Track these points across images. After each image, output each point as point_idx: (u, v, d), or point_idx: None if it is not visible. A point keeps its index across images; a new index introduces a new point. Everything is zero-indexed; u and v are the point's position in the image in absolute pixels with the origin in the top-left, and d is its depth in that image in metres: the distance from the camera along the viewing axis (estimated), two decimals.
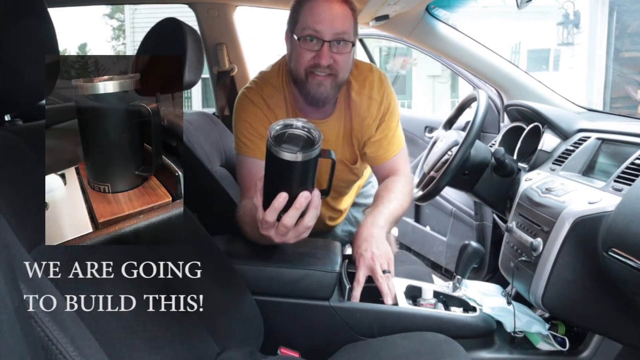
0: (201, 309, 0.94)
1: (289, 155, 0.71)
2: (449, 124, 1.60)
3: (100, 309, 0.78)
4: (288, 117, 1.24)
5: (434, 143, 1.56)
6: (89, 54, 16.83)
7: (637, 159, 1.01)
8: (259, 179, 0.79)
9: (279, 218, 0.79)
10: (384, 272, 1.11)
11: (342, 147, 1.37)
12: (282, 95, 1.30)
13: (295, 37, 1.18)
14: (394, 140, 1.37)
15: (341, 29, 1.17)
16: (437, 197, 1.75)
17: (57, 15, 1.13)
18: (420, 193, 1.44)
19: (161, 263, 0.94)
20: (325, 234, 1.61)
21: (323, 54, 1.16)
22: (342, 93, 1.30)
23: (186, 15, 1.91)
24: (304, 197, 0.75)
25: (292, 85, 1.28)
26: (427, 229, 2.29)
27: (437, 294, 1.17)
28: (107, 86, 0.75)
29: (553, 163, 1.29)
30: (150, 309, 0.86)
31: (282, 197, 0.75)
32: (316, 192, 0.77)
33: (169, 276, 0.94)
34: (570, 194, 1.05)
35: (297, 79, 1.22)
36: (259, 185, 0.79)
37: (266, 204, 0.78)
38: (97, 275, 0.81)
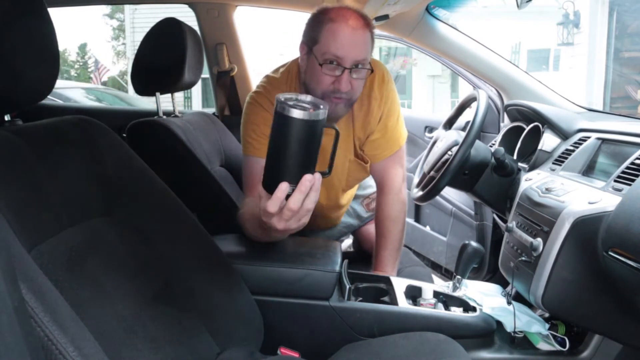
0: (201, 309, 0.95)
1: (297, 112, 0.71)
2: (449, 124, 1.60)
3: (100, 309, 0.78)
4: None
5: (434, 143, 1.56)
6: (88, 53, 16.87)
7: (637, 159, 1.01)
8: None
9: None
10: None
11: (350, 147, 1.38)
12: None
13: (316, 59, 1.18)
14: (393, 139, 1.38)
15: (362, 56, 1.17)
16: (437, 197, 1.74)
17: (57, 15, 1.13)
18: (420, 193, 1.44)
19: (161, 263, 0.94)
20: (329, 228, 1.62)
21: (343, 80, 1.17)
22: None
23: (186, 15, 1.91)
24: (307, 179, 0.76)
25: (302, 91, 1.29)
26: (427, 229, 2.28)
27: (437, 294, 1.17)
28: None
29: (553, 163, 1.29)
30: (150, 309, 0.86)
31: (284, 186, 0.76)
32: (317, 175, 0.78)
33: (169, 276, 0.94)
34: (570, 194, 1.05)
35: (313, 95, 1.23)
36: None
37: (268, 179, 0.78)
38: (97, 275, 0.81)
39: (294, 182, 0.76)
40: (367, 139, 1.38)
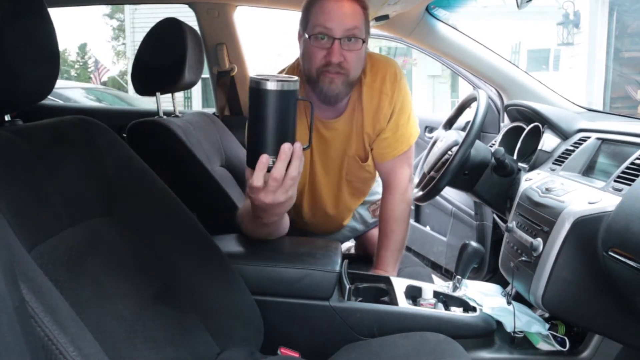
0: (201, 309, 0.95)
1: (269, 83, 0.75)
2: (449, 124, 1.60)
3: (101, 309, 0.78)
4: (302, 117, 1.26)
5: (434, 143, 1.56)
6: (88, 53, 16.88)
7: (637, 159, 1.01)
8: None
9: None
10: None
11: (355, 143, 1.37)
12: None
13: (307, 35, 1.20)
14: (403, 138, 1.37)
15: (351, 25, 1.18)
16: (437, 197, 1.74)
17: (57, 15, 1.13)
18: (420, 193, 1.44)
19: (161, 263, 0.94)
20: (335, 232, 1.62)
21: (334, 51, 1.17)
22: (356, 89, 1.31)
23: (186, 15, 1.91)
24: (286, 147, 0.79)
25: (305, 85, 1.29)
26: (427, 229, 2.28)
27: (437, 294, 1.17)
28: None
29: (553, 163, 1.29)
30: (150, 309, 0.86)
31: (264, 159, 0.78)
32: (297, 144, 0.80)
33: (169, 276, 0.94)
34: (570, 194, 1.05)
35: (310, 78, 1.24)
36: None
37: (250, 155, 0.81)
38: (97, 275, 0.81)
39: (274, 154, 0.79)
40: (377, 137, 1.37)
